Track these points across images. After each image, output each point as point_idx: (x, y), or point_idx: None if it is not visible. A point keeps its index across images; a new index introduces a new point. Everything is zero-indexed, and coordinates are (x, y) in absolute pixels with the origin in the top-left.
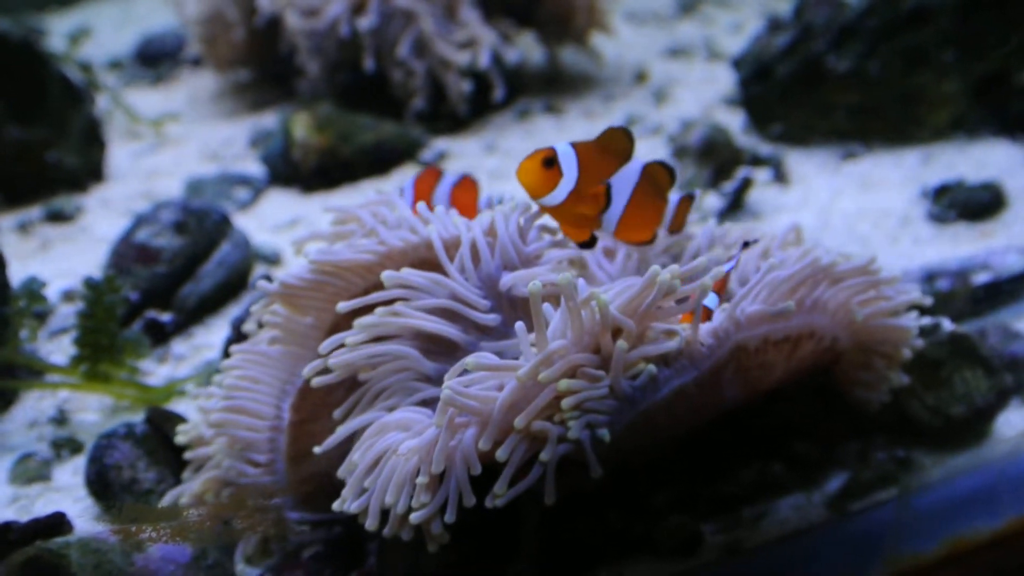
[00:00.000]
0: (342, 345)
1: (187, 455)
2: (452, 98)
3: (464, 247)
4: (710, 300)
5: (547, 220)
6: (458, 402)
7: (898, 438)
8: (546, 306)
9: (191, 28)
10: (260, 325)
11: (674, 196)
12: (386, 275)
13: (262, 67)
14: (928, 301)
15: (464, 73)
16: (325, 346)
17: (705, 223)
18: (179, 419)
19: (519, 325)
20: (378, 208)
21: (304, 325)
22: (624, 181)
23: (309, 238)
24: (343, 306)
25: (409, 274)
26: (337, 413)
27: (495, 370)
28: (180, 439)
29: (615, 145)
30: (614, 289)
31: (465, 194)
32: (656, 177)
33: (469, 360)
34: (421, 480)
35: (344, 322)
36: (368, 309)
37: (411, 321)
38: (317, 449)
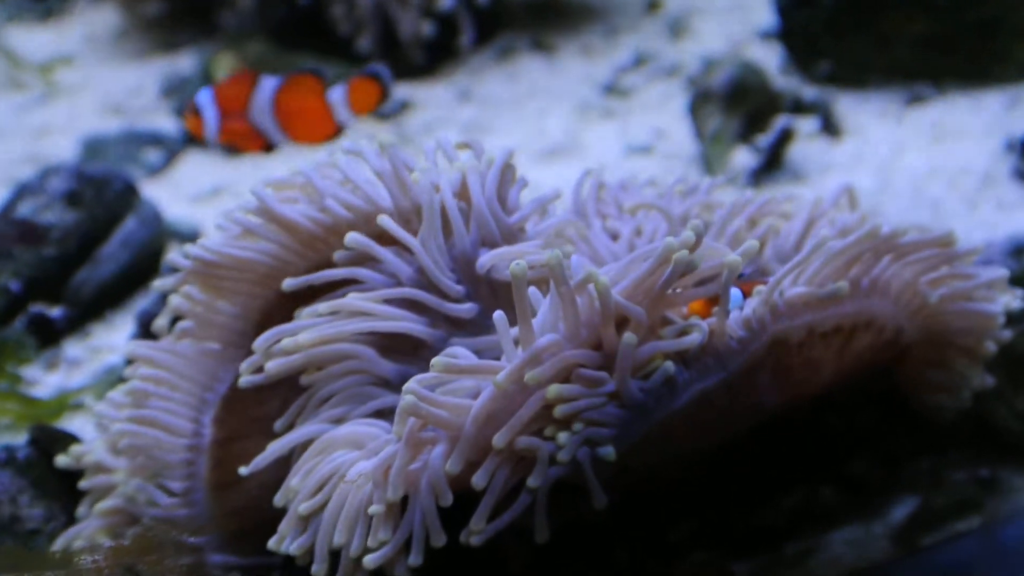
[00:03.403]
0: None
1: (83, 484)
2: (405, 42)
3: (433, 215)
4: (734, 296)
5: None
6: (422, 411)
7: (980, 454)
8: (533, 291)
9: None
10: (175, 319)
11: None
12: (338, 256)
13: None
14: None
15: (425, 12)
16: (259, 343)
17: (735, 187)
18: (72, 440)
19: (498, 315)
20: (328, 170)
21: (227, 315)
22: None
23: None
24: (290, 283)
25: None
26: (278, 425)
27: (468, 373)
28: (64, 461)
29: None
30: (616, 268)
31: (299, 98)
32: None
33: (436, 361)
34: (376, 510)
35: (278, 312)
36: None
37: (364, 325)
38: (244, 470)
